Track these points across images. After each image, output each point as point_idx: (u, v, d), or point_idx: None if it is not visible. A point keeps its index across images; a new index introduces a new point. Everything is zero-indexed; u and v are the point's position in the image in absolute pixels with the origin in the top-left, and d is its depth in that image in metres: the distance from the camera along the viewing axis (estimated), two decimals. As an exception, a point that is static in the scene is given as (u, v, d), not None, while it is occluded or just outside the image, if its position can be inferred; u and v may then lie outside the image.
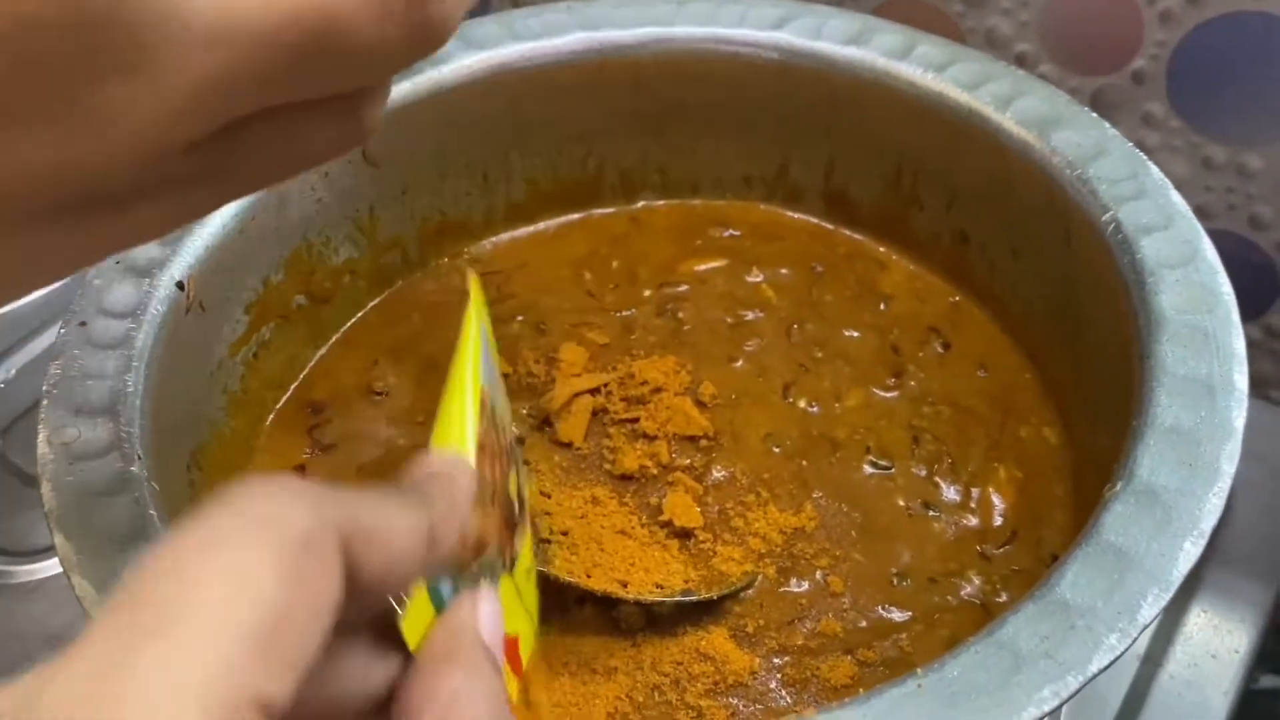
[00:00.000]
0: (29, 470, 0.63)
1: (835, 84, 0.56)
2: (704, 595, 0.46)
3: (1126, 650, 0.32)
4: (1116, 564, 0.34)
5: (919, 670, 0.32)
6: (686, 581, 0.46)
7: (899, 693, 0.32)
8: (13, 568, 0.60)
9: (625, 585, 0.45)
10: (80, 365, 0.43)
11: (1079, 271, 0.48)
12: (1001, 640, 0.33)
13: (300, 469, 0.53)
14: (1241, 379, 0.38)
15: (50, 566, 0.60)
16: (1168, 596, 0.33)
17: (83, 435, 0.41)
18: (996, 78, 0.52)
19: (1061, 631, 0.33)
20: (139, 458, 0.41)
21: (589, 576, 0.45)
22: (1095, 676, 0.31)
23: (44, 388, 0.43)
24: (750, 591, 0.47)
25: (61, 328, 0.45)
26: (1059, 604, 0.33)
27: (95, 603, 0.36)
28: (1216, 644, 0.52)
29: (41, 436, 0.41)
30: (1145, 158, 0.47)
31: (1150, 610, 0.33)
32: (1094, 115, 0.49)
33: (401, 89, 0.56)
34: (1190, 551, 0.34)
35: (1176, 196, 0.45)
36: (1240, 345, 0.40)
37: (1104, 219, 0.46)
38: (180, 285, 0.48)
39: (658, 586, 0.46)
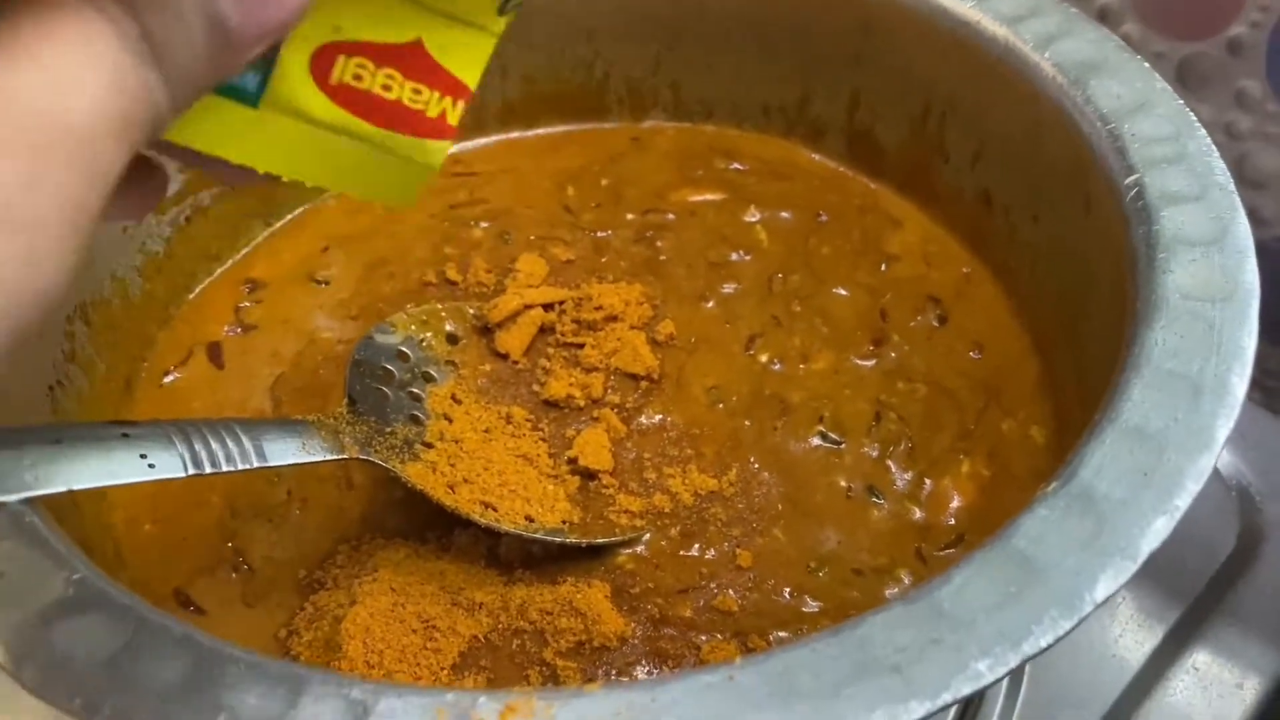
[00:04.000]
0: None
1: (869, 5, 0.49)
2: (570, 540, 0.40)
3: (996, 683, 0.25)
4: (1018, 575, 0.27)
5: (738, 660, 0.26)
6: (564, 523, 0.41)
7: (705, 680, 0.26)
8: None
9: (491, 509, 0.40)
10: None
11: (1095, 245, 0.40)
12: (850, 641, 0.26)
13: (214, 346, 0.49)
14: (1240, 383, 0.31)
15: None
16: (1069, 625, 0.26)
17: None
18: (1043, 13, 0.44)
19: (922, 644, 0.26)
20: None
21: (451, 490, 0.40)
22: (947, 707, 0.25)
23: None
24: (640, 548, 0.41)
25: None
26: (932, 611, 0.27)
27: None
28: (1201, 710, 0.45)
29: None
30: (1194, 119, 0.39)
31: (1043, 638, 0.26)
32: (1145, 65, 0.41)
33: (387, -47, 0.51)
34: (1113, 576, 0.27)
35: (1220, 166, 0.37)
36: (1249, 344, 0.32)
37: (1126, 183, 0.38)
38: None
39: (528, 520, 0.41)
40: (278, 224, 0.54)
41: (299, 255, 0.53)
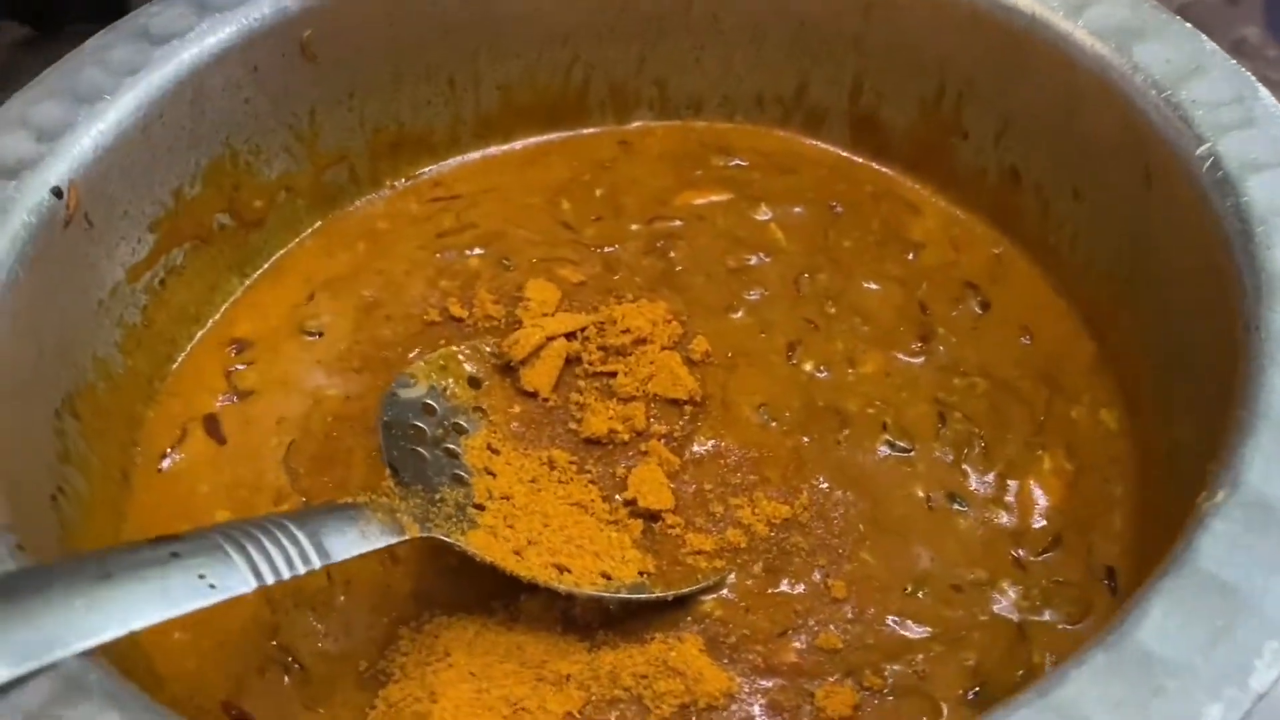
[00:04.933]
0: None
1: (868, -17, 0.47)
2: (656, 594, 0.37)
3: (1236, 729, 0.23)
4: (1222, 605, 0.25)
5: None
6: (642, 574, 0.38)
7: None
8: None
9: (564, 571, 0.37)
10: (-89, 283, 0.35)
11: (1159, 219, 0.39)
12: (1059, 705, 0.24)
13: (211, 419, 0.44)
14: (1383, 361, 0.30)
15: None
16: (1286, 658, 0.24)
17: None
18: (1067, -22, 0.42)
19: (1143, 697, 0.24)
20: (-30, 402, 0.33)
21: (518, 556, 0.37)
22: (1190, 765, 0.23)
23: None
24: (730, 589, 0.38)
25: (-106, 236, 0.36)
26: (1140, 657, 0.25)
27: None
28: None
29: None
30: (1253, 78, 0.38)
31: (1270, 672, 0.24)
32: (1187, 26, 0.40)
33: (348, -31, 0.46)
34: (1321, 593, 0.25)
35: (1293, 127, 0.36)
36: (1380, 319, 0.31)
37: (1198, 153, 0.36)
38: (58, 192, 0.39)
39: (604, 577, 0.38)
40: (255, 274, 0.49)
41: (284, 306, 0.48)
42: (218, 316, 0.48)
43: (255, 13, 0.45)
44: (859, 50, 0.49)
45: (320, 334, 0.47)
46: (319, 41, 0.47)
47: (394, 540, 0.34)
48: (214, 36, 0.44)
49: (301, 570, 0.31)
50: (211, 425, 0.44)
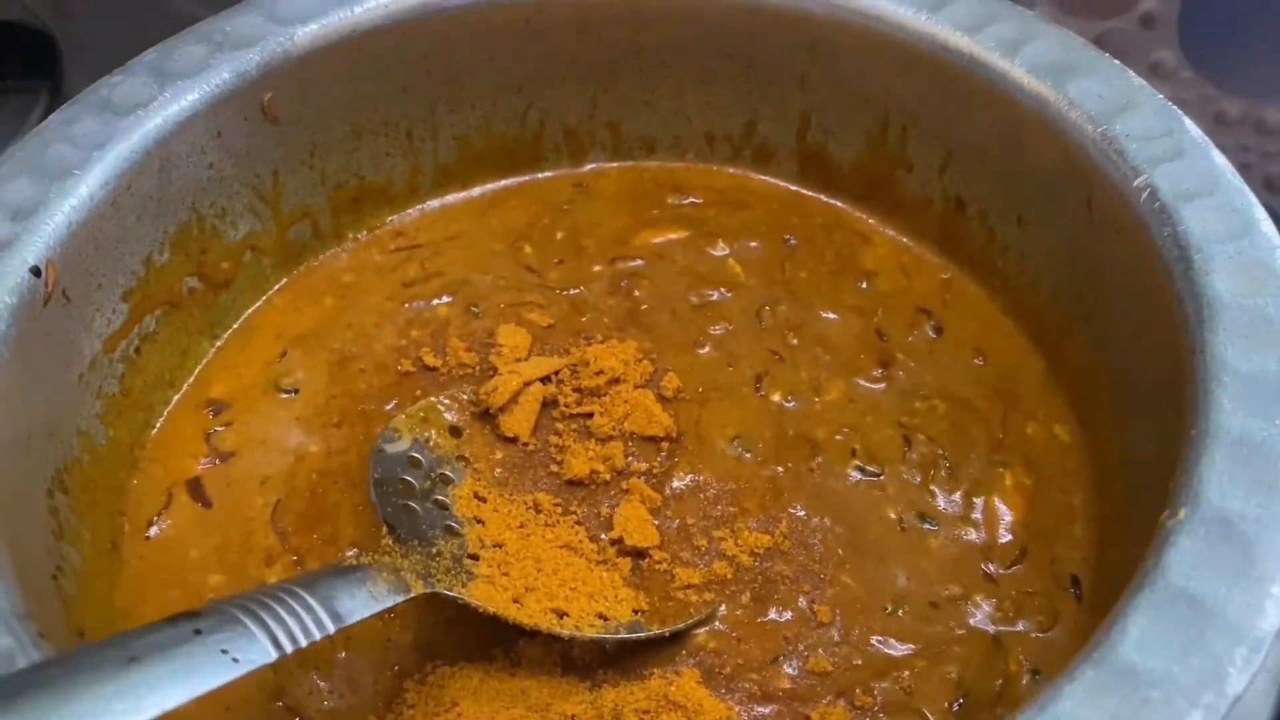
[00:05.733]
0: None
1: (812, 25, 0.49)
2: (654, 631, 0.39)
3: (1214, 731, 0.26)
4: (1192, 617, 0.28)
5: (956, 761, 0.26)
6: (636, 612, 0.40)
7: (935, 794, 0.25)
8: None
9: (563, 616, 0.38)
10: (-99, 374, 0.35)
11: (1103, 245, 0.41)
12: (1058, 718, 0.26)
13: (194, 483, 0.45)
14: (1319, 378, 0.32)
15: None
16: (1258, 659, 0.27)
17: (-100, 465, 0.33)
18: (1001, 19, 0.45)
19: (1132, 707, 0.26)
20: (-28, 492, 0.33)
21: (517, 604, 0.38)
22: (1180, 769, 0.25)
23: None
24: (720, 620, 0.40)
25: (-122, 326, 0.36)
26: (1125, 670, 0.27)
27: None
28: None
29: None
30: (1180, 112, 0.40)
31: (1240, 678, 0.26)
32: (1117, 63, 0.42)
33: (308, 31, 0.47)
34: (1276, 608, 0.27)
35: (1220, 158, 0.39)
36: (1314, 336, 0.33)
37: (1135, 184, 0.39)
38: (36, 271, 0.39)
39: (601, 618, 0.39)
40: (225, 335, 0.49)
41: (257, 365, 0.49)
42: (192, 380, 0.48)
43: (216, 79, 0.46)
44: (805, 89, 0.51)
45: (296, 390, 0.48)
46: (280, 103, 0.48)
47: (401, 599, 0.35)
48: (177, 104, 0.45)
49: (318, 636, 0.32)
50: (195, 489, 0.45)
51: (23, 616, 0.30)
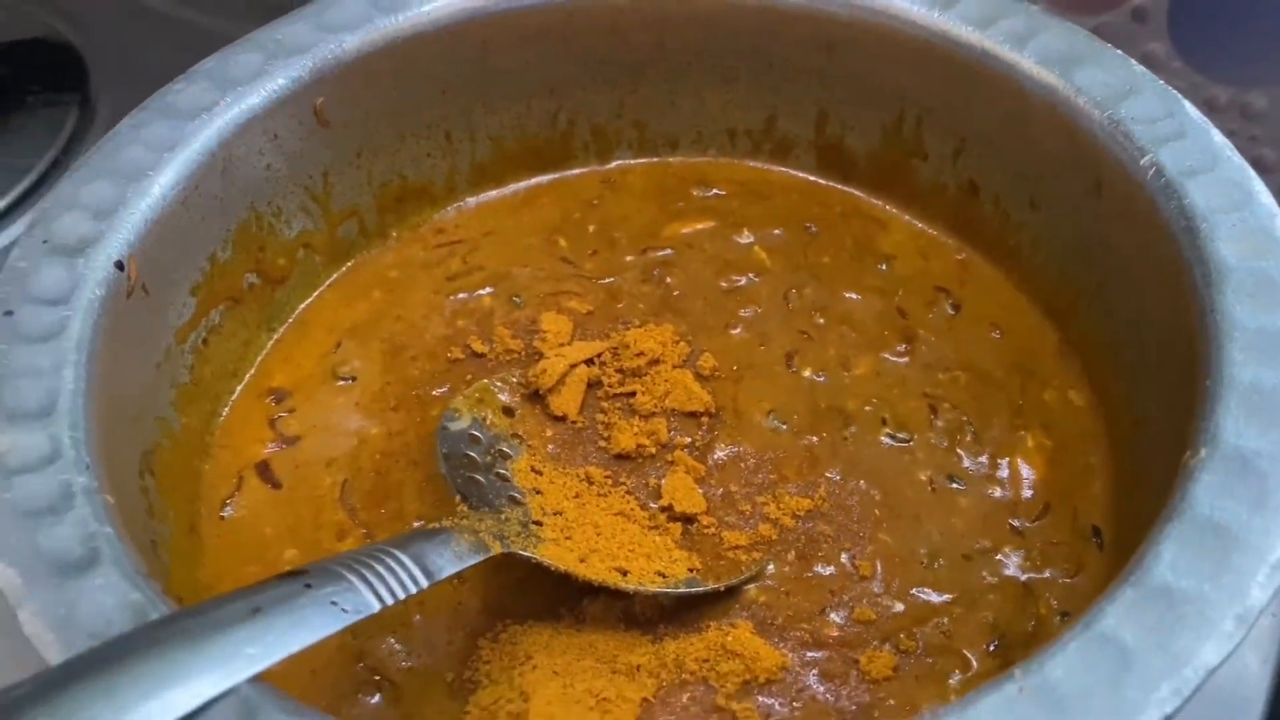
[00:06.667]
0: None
1: (830, 24, 0.52)
2: (711, 586, 0.42)
3: (1243, 641, 0.29)
4: (1217, 541, 0.31)
5: (1015, 672, 0.29)
6: (691, 570, 0.43)
7: (999, 698, 0.28)
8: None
9: (625, 574, 0.41)
10: (9, 362, 0.37)
11: (1112, 221, 0.45)
12: (1104, 633, 0.29)
13: (263, 466, 0.47)
14: (1320, 329, 0.36)
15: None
16: (1278, 578, 0.30)
17: (17, 444, 0.35)
18: (1009, 14, 0.48)
19: (1169, 621, 0.29)
20: (86, 467, 0.35)
21: (583, 563, 0.41)
22: (1215, 670, 0.28)
23: (-32, 390, 0.37)
24: (769, 577, 0.43)
25: (-17, 318, 0.39)
26: (1160, 589, 0.30)
27: (49, 645, 0.30)
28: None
29: (-31, 447, 0.35)
30: (1180, 96, 0.44)
31: (1263, 593, 0.29)
32: (1119, 53, 0.46)
33: (355, 38, 0.50)
34: (1294, 527, 0.31)
35: (1219, 136, 0.42)
36: (1312, 292, 0.37)
37: (1142, 163, 0.42)
38: (120, 265, 0.42)
39: (660, 575, 0.42)
40: (281, 328, 0.52)
41: (314, 356, 0.51)
42: (253, 370, 0.50)
43: (272, 84, 0.48)
44: (823, 84, 0.54)
45: (353, 378, 0.50)
46: (331, 107, 0.50)
47: (482, 557, 0.38)
48: (237, 109, 0.47)
49: (413, 590, 0.35)
50: (265, 472, 0.47)
51: (145, 575, 0.33)
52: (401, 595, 0.35)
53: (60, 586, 0.32)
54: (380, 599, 0.34)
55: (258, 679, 0.30)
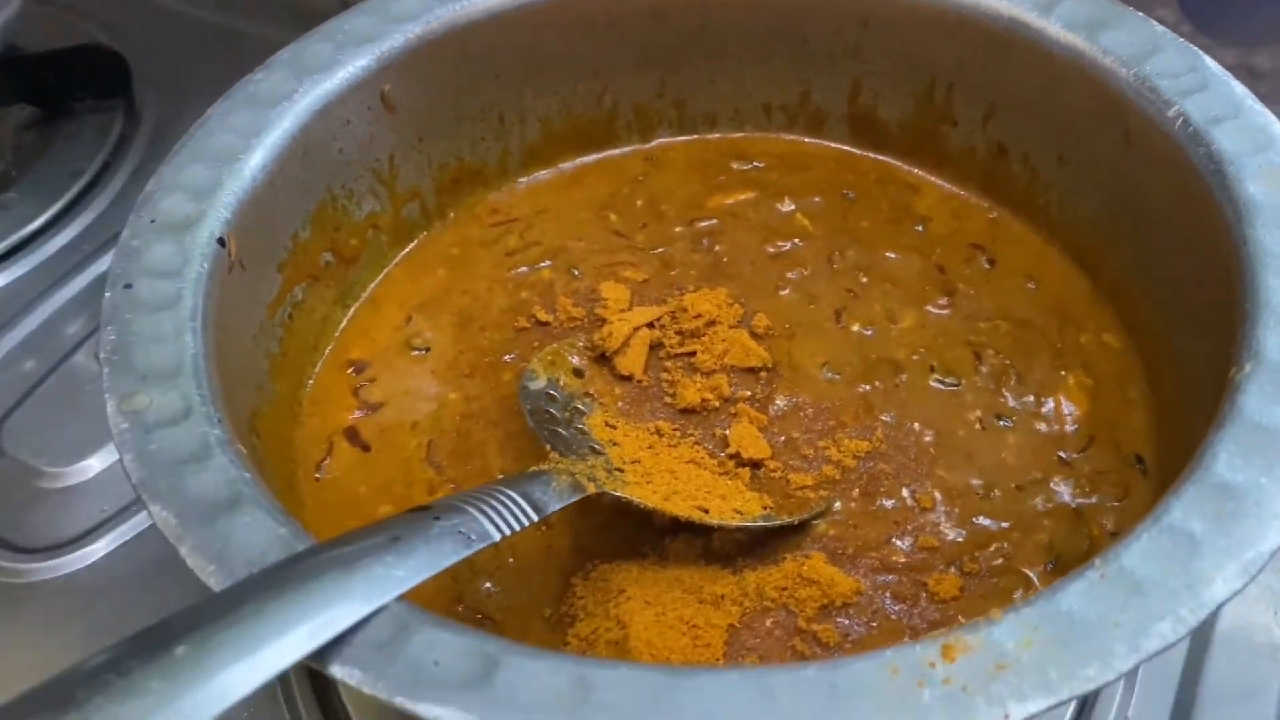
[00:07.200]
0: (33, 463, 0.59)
1: (865, 1, 0.55)
2: (786, 520, 0.45)
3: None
4: (1268, 443, 0.34)
5: (1095, 561, 0.32)
6: (765, 509, 0.46)
7: (1083, 584, 0.31)
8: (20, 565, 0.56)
9: (706, 511, 0.44)
10: (135, 329, 0.40)
11: (1141, 171, 0.48)
12: (1172, 525, 0.32)
13: (351, 431, 0.50)
14: (1348, 254, 0.39)
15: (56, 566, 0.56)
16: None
17: (154, 402, 0.38)
18: (1034, -17, 0.51)
19: (1230, 511, 0.32)
20: (218, 421, 0.38)
21: (667, 502, 0.44)
22: (1276, 552, 0.31)
23: (101, 355, 0.39)
24: (836, 514, 0.46)
25: (107, 293, 0.41)
26: (1220, 485, 0.33)
27: (212, 575, 0.33)
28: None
29: (111, 406, 0.38)
30: (1200, 51, 0.47)
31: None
32: (1140, 14, 0.49)
33: (417, 27, 0.53)
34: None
35: (1239, 86, 0.45)
36: (1338, 222, 0.40)
37: (1170, 114, 0.45)
38: (221, 242, 0.45)
39: (737, 513, 0.45)
40: (354, 305, 0.55)
41: (387, 329, 0.54)
42: (332, 345, 0.53)
43: (343, 72, 0.51)
44: (856, 58, 0.57)
45: (427, 349, 0.53)
46: (397, 93, 0.53)
47: (581, 495, 0.41)
48: (314, 95, 0.50)
49: (525, 523, 0.38)
50: (353, 436, 0.50)
51: (285, 513, 0.36)
52: (517, 527, 0.37)
53: (213, 525, 0.34)
54: (500, 530, 0.37)
55: (403, 598, 0.33)
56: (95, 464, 0.59)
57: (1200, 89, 0.46)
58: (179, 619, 0.29)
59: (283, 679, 0.49)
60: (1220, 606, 0.31)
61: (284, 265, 0.50)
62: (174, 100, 0.78)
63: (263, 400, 0.47)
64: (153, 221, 0.44)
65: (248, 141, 0.48)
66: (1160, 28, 0.48)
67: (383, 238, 0.56)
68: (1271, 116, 0.44)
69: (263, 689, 0.28)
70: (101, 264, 0.68)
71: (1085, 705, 0.49)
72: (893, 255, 0.56)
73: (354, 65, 0.52)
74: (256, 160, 0.48)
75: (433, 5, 0.54)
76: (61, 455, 0.59)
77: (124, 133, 0.77)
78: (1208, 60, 0.47)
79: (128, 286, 0.42)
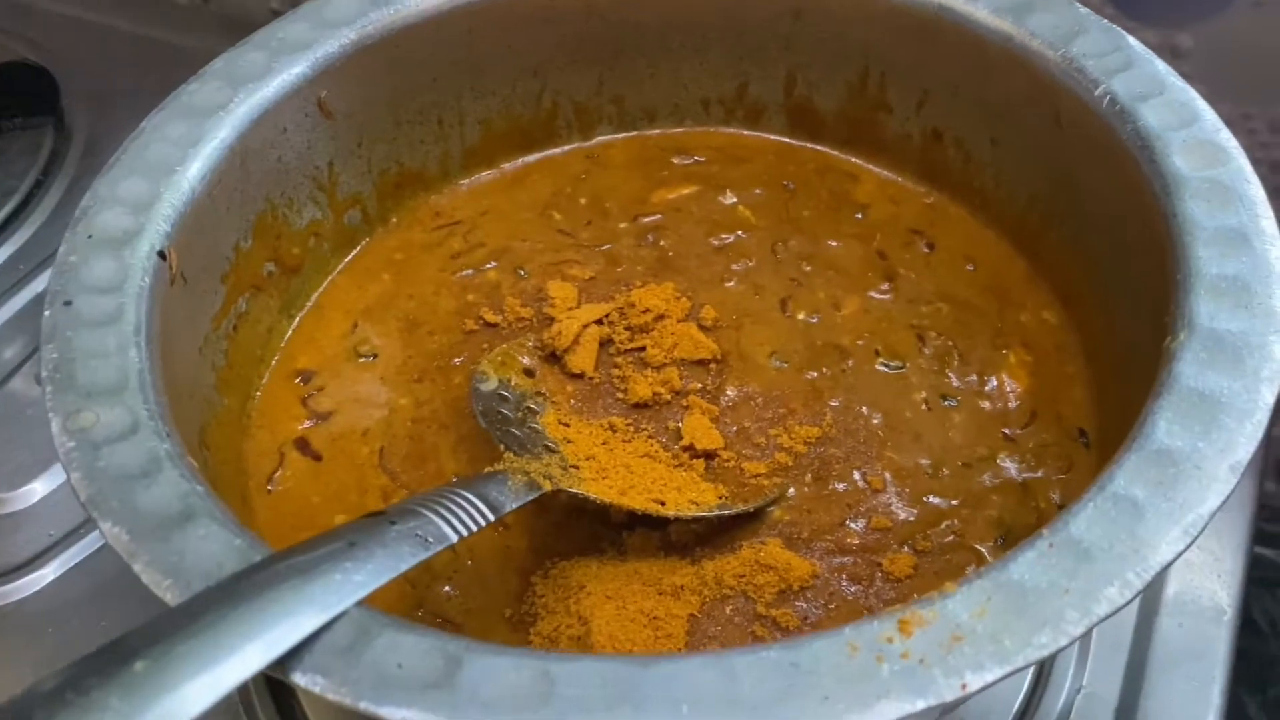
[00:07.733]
0: None
1: (795, -7, 0.56)
2: (741, 508, 0.45)
3: (1234, 491, 0.33)
4: (1204, 408, 0.35)
5: (1043, 532, 0.33)
6: (720, 498, 0.46)
7: (1033, 553, 0.32)
8: None
9: (662, 504, 0.45)
10: (77, 346, 0.40)
11: (1072, 151, 0.49)
12: (1116, 492, 0.33)
13: (302, 441, 0.50)
14: (1270, 223, 0.40)
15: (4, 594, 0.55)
16: (1260, 435, 0.34)
17: (100, 418, 0.37)
18: (959, -29, 0.52)
19: (1171, 476, 0.33)
20: (166, 435, 0.38)
21: (624, 497, 0.44)
22: (1216, 513, 0.32)
23: (43, 374, 0.39)
24: (790, 499, 0.46)
25: (46, 310, 0.41)
26: (1161, 451, 0.34)
27: (168, 589, 0.33)
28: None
29: (56, 424, 0.37)
30: (1124, 32, 0.48)
31: (1248, 447, 0.34)
32: (1064, -2, 0.50)
33: (352, 32, 0.53)
34: (1269, 390, 0.35)
35: (1162, 64, 0.47)
36: (1259, 193, 0.41)
37: (1097, 93, 0.47)
38: (161, 255, 0.44)
39: (693, 503, 0.45)
40: (299, 314, 0.54)
41: (333, 337, 0.54)
42: (279, 355, 0.53)
43: (279, 79, 0.51)
44: (790, 49, 0.58)
45: (375, 355, 0.53)
46: (333, 99, 0.53)
47: (537, 494, 0.41)
48: (250, 104, 0.50)
49: (482, 524, 0.38)
50: (304, 446, 0.50)
51: (240, 525, 0.35)
52: (474, 528, 0.38)
53: (167, 539, 0.34)
54: (457, 531, 0.37)
55: (362, 604, 0.33)
56: (39, 488, 0.58)
57: (1125, 68, 0.47)
58: (137, 635, 0.28)
59: (242, 689, 0.49)
60: (1165, 568, 0.32)
61: (226, 277, 0.49)
62: (105, 115, 0.77)
63: (211, 413, 0.47)
64: (90, 237, 0.43)
65: (184, 152, 0.47)
66: (1084, 10, 0.49)
67: (325, 245, 0.56)
68: (1194, 93, 0.45)
69: (223, 700, 0.28)
70: (38, 284, 0.67)
71: (1042, 674, 0.50)
72: (834, 243, 0.56)
73: (289, 73, 0.51)
74: (194, 171, 0.47)
75: (367, 10, 0.53)
76: (4, 481, 0.58)
77: (55, 149, 0.75)
78: (1131, 40, 0.48)
79: (67, 303, 0.41)
